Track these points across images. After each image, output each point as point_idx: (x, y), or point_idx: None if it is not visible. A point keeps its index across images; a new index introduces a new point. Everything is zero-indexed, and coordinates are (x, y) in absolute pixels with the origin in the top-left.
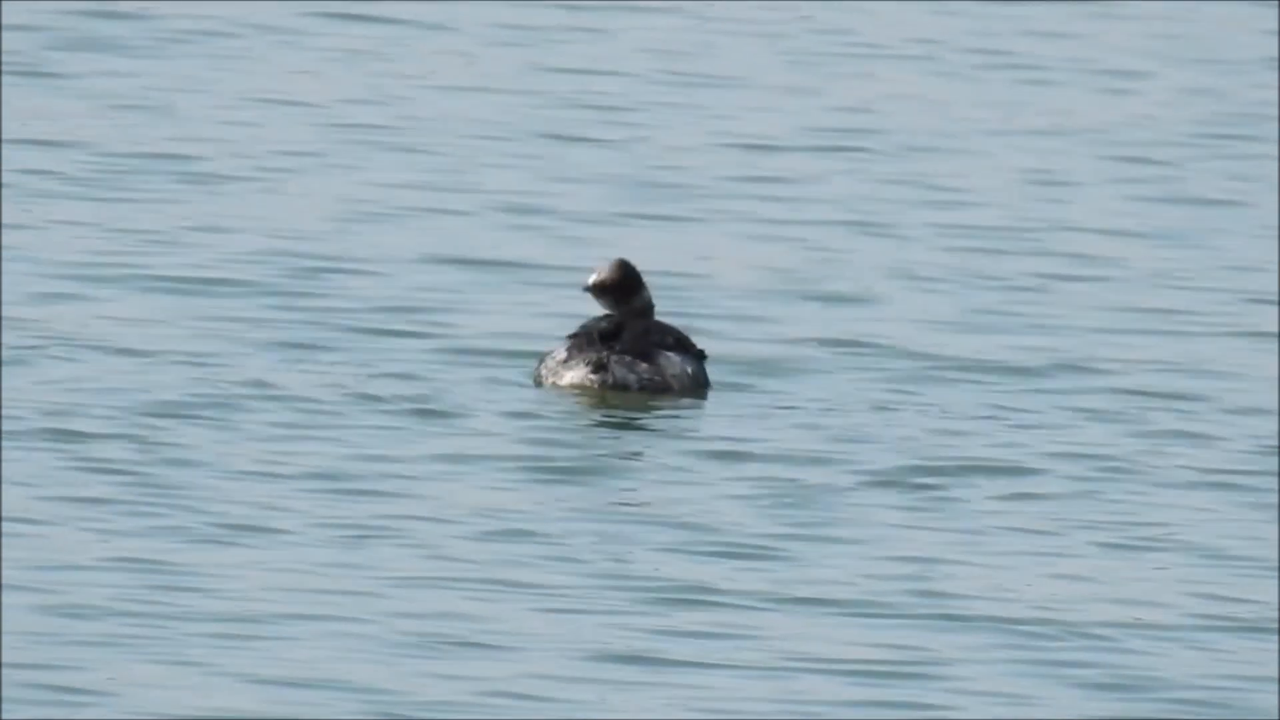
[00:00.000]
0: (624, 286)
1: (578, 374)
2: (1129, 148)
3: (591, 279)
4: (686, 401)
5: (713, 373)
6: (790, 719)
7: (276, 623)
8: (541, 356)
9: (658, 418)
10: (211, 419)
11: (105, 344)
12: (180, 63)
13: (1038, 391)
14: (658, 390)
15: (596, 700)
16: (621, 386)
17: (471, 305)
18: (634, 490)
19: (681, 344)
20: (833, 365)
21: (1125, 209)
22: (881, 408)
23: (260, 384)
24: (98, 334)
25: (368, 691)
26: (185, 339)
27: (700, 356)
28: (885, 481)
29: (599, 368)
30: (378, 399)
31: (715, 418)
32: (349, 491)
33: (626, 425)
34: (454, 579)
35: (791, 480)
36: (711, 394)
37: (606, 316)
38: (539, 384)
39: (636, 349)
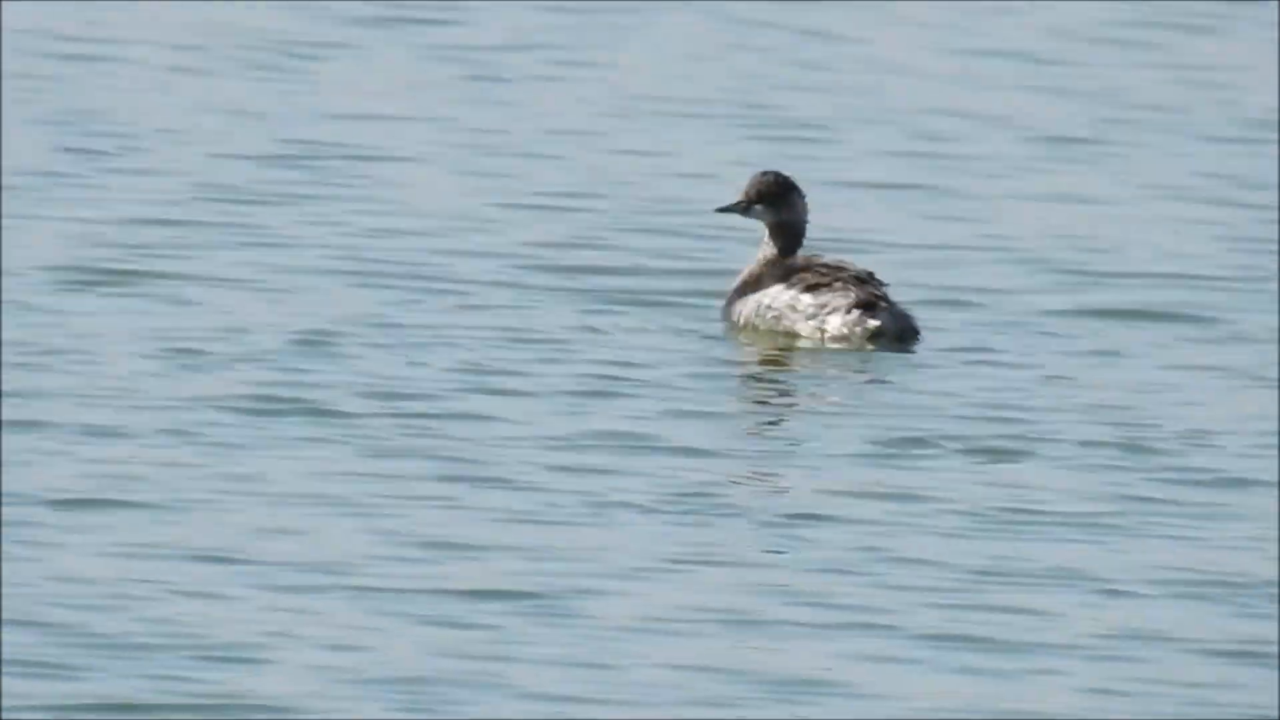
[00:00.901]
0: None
1: (847, 319)
2: None
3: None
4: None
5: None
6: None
7: (583, 598)
8: (736, 302)
9: (923, 379)
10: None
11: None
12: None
13: None
14: (905, 336)
15: (921, 680)
16: (880, 335)
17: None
18: (925, 464)
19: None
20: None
21: None
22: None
23: (558, 348)
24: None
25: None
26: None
27: None
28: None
29: (868, 305)
30: (676, 363)
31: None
32: (670, 466)
33: (897, 391)
34: (756, 560)
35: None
36: (978, 361)
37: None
38: (747, 326)
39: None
